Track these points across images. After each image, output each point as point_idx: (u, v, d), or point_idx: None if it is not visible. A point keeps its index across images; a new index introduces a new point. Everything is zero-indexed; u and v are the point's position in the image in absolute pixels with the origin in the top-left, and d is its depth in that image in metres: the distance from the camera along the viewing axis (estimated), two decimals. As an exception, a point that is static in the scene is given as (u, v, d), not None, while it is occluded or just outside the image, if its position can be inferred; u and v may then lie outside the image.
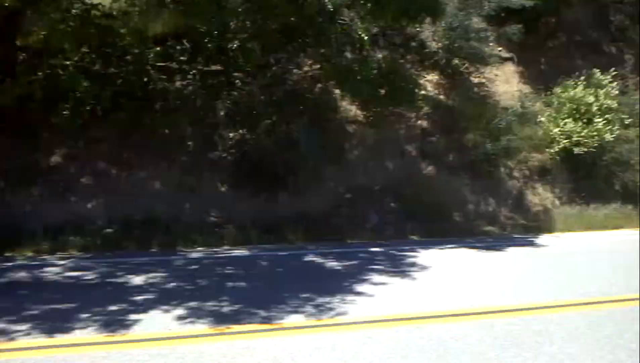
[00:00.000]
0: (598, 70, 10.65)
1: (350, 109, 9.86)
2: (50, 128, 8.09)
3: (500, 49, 11.66)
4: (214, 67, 9.31)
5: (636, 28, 12.60)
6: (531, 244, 7.94)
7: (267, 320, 3.98)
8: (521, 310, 4.42)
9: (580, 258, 6.81)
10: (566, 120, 10.05)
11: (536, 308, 4.55)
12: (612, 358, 3.41)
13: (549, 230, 8.95)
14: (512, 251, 7.36)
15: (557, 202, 9.99)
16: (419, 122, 10.17)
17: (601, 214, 9.43)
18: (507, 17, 10.64)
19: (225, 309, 4.28)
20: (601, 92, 10.26)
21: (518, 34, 10.62)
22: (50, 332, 3.63)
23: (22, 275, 5.63)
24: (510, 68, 11.56)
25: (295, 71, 9.93)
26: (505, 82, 11.32)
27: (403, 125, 10.05)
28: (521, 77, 11.49)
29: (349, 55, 8.28)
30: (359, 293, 4.82)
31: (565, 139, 9.90)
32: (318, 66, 9.57)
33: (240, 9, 7.69)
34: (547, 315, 4.31)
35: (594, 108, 10.03)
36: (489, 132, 9.59)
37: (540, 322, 4.08)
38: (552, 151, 10.06)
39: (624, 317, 4.23)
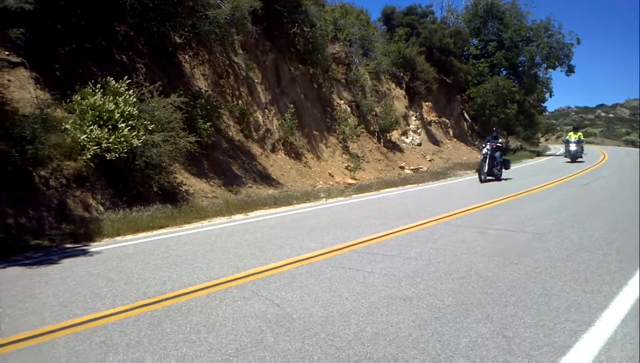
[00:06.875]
0: (113, 78, 10.80)
1: None
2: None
3: (7, 53, 10.16)
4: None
5: (141, 39, 13.69)
6: (85, 252, 7.33)
7: None
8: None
9: (134, 260, 6.94)
10: (92, 127, 9.79)
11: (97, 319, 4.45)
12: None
13: (99, 235, 8.46)
14: (68, 262, 6.63)
15: (101, 208, 9.65)
16: None
17: (145, 215, 9.65)
18: (9, 20, 9.20)
19: None
20: (120, 99, 10.45)
21: (22, 38, 9.38)
22: None
23: None
24: (23, 73, 10.24)
25: None
26: (20, 88, 9.96)
27: None
28: (37, 83, 10.43)
29: None
30: None
31: (95, 145, 9.67)
32: None
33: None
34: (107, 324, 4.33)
35: (117, 115, 10.12)
36: (14, 141, 8.11)
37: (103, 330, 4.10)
38: (84, 158, 9.54)
39: (178, 311, 4.67)
